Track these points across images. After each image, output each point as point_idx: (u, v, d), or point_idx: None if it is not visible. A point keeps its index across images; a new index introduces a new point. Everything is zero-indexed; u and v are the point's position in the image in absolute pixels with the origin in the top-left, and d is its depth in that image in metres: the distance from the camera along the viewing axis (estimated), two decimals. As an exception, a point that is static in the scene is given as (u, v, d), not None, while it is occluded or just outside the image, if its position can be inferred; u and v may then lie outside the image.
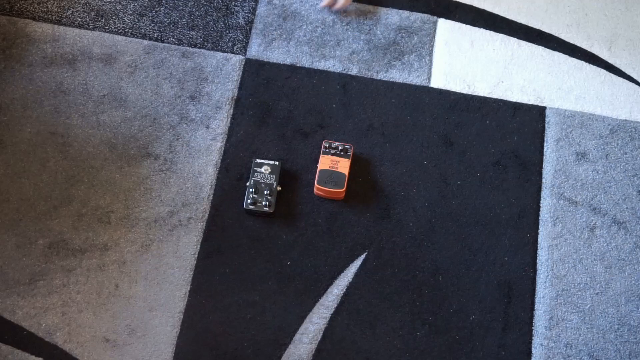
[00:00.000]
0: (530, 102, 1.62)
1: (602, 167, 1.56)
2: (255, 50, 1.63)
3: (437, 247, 1.47)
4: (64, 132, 1.51)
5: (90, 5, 1.64)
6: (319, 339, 1.38)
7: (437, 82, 1.62)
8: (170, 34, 1.63)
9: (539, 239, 1.49)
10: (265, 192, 1.45)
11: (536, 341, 1.41)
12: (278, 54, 1.63)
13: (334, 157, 1.49)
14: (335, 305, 1.41)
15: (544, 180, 1.54)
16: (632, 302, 1.44)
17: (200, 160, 1.51)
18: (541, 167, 1.55)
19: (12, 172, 1.47)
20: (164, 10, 1.65)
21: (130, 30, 1.62)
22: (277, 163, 1.48)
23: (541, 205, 1.52)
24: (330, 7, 1.66)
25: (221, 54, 1.61)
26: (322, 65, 1.62)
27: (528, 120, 1.59)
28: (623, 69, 1.67)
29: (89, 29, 1.61)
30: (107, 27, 1.62)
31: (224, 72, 1.59)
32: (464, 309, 1.42)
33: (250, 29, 1.65)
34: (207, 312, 1.39)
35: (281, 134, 1.55)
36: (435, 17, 1.69)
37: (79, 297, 1.38)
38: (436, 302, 1.42)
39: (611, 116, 1.61)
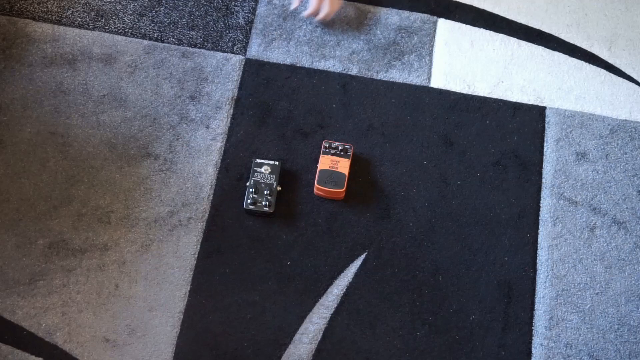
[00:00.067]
0: (530, 102, 1.62)
1: (602, 167, 1.56)
2: (255, 50, 1.63)
3: (437, 247, 1.47)
4: (64, 132, 1.51)
5: (90, 5, 1.64)
6: (319, 339, 1.38)
7: (437, 82, 1.62)
8: (170, 34, 1.63)
9: (539, 239, 1.49)
10: (265, 192, 1.45)
11: (536, 341, 1.41)
12: (278, 54, 1.62)
13: (334, 157, 1.49)
14: (335, 305, 1.41)
15: (544, 180, 1.54)
16: (632, 302, 1.44)
17: (200, 160, 1.51)
18: (541, 167, 1.55)
19: (12, 172, 1.47)
20: (164, 10, 1.65)
21: (130, 30, 1.62)
22: (277, 163, 1.48)
23: (541, 205, 1.52)
24: (313, 16, 1.65)
25: (221, 54, 1.61)
26: (322, 65, 1.62)
27: (528, 120, 1.59)
28: (623, 69, 1.67)
29: (89, 29, 1.61)
30: (107, 27, 1.62)
31: (224, 72, 1.59)
32: (464, 309, 1.42)
33: (250, 29, 1.65)
34: (207, 312, 1.39)
35: (281, 134, 1.55)
36: (435, 17, 1.69)
37: (79, 297, 1.38)
38: (436, 302, 1.42)
39: (611, 116, 1.61)
